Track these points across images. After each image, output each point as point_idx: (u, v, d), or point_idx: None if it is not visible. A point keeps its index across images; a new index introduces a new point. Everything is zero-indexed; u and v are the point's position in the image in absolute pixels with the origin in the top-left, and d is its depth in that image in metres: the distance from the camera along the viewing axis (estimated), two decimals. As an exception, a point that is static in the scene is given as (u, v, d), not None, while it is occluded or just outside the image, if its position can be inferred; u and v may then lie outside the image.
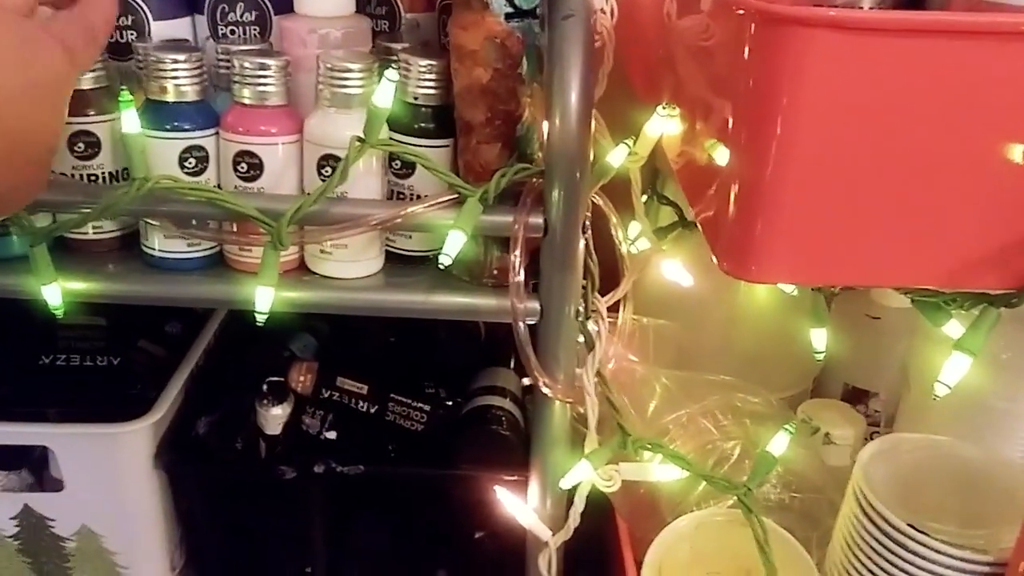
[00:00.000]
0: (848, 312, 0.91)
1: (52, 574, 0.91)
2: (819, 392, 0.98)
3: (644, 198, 0.78)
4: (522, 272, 0.64)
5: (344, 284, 0.69)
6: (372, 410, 0.87)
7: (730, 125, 0.54)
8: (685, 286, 0.84)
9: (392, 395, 0.86)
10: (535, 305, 0.66)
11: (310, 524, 0.87)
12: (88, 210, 0.63)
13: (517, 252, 0.63)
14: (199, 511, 0.86)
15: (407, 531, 0.89)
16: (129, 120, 0.61)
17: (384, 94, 0.60)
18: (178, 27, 0.74)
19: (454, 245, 0.62)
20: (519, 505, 0.75)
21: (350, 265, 0.68)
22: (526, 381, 0.91)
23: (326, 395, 0.87)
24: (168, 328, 0.96)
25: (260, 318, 0.65)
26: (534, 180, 0.64)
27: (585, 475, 0.68)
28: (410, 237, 0.71)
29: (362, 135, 0.62)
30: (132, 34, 0.72)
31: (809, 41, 0.47)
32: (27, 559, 0.90)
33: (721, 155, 0.56)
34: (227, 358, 0.96)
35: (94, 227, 0.70)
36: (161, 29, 0.73)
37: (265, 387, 0.81)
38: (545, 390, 0.67)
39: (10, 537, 0.88)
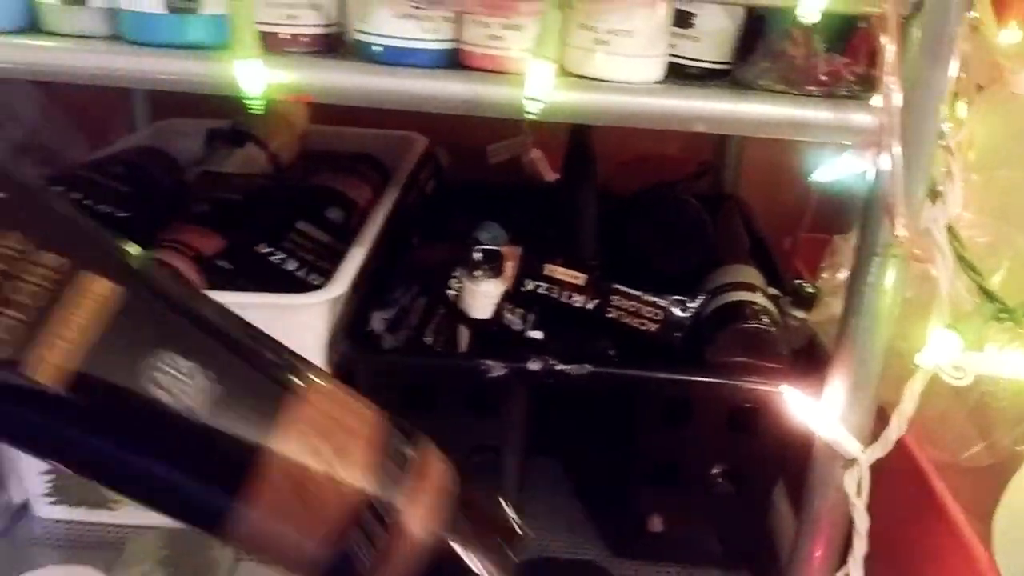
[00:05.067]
0: None
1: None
2: None
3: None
4: (894, 77, 0.47)
5: (624, 88, 0.52)
6: (589, 305, 0.70)
7: None
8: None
9: (616, 287, 0.69)
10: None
11: (507, 440, 0.69)
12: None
13: (889, 39, 0.46)
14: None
15: (624, 459, 0.72)
16: None
17: None
18: None
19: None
20: (816, 409, 0.57)
21: (630, 63, 0.52)
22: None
23: (530, 287, 0.71)
24: (329, 214, 0.80)
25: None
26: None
27: (948, 352, 0.51)
28: (698, 41, 0.55)
29: None
30: None
31: None
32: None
33: None
34: (399, 252, 0.80)
35: (288, 16, 0.55)
36: None
37: (479, 255, 0.64)
38: (900, 231, 0.49)
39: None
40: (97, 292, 0.23)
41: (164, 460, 0.24)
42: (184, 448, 0.24)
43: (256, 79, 0.49)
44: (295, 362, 0.27)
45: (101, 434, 0.23)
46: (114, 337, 0.23)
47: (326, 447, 0.25)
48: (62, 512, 0.77)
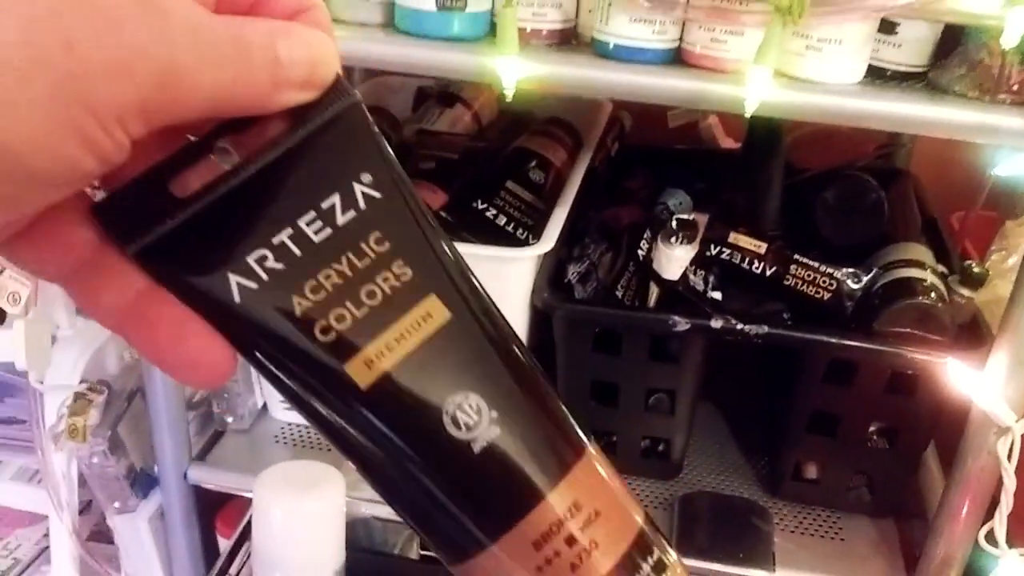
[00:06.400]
0: None
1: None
2: None
3: None
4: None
5: (826, 88, 0.59)
6: (769, 272, 0.77)
7: None
8: None
9: (796, 257, 0.76)
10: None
11: (682, 386, 0.78)
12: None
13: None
14: (564, 360, 0.80)
15: (787, 411, 0.80)
16: None
17: None
18: None
19: None
20: (978, 381, 0.64)
21: (837, 66, 0.59)
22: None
23: (714, 252, 0.79)
24: (531, 175, 0.90)
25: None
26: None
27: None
28: (899, 47, 0.61)
29: None
30: None
31: None
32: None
33: None
34: (588, 209, 0.89)
35: (535, 14, 0.64)
36: None
37: (675, 223, 0.73)
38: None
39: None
40: (433, 317, 0.24)
41: (432, 485, 0.25)
42: (455, 484, 0.25)
43: (513, 72, 0.59)
44: (577, 426, 0.27)
45: (385, 442, 0.24)
46: (428, 361, 0.24)
47: (590, 523, 0.25)
48: (295, 416, 0.92)
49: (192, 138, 0.23)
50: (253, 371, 0.79)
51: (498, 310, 0.26)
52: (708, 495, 0.83)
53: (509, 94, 0.60)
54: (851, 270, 0.76)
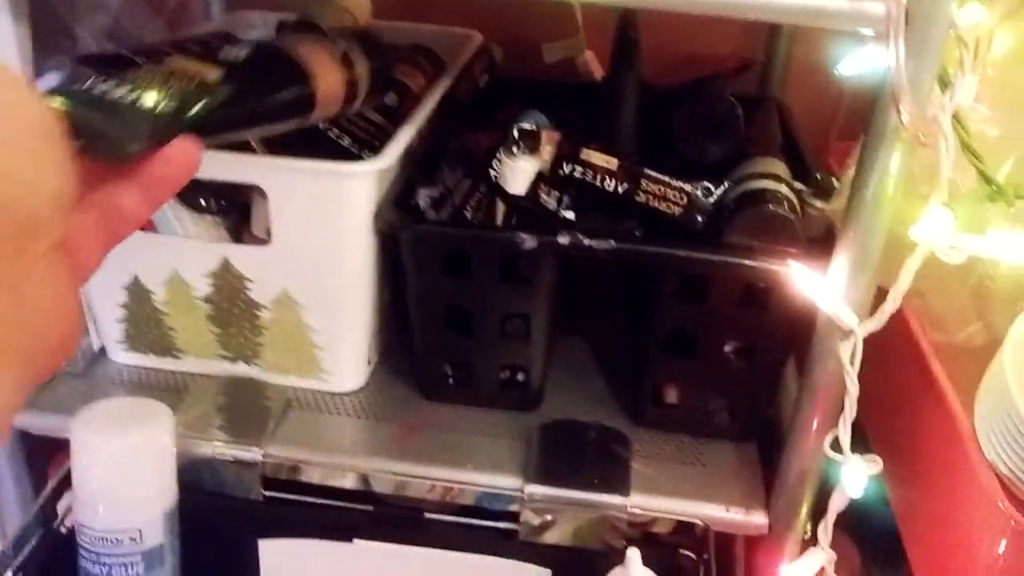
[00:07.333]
0: None
1: (239, 350, 0.82)
2: None
3: None
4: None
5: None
6: (621, 189, 0.74)
7: None
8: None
9: (646, 171, 0.74)
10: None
11: (536, 308, 0.75)
12: None
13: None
14: (415, 286, 0.76)
15: (644, 334, 0.77)
16: None
17: None
18: None
19: None
20: (820, 284, 0.62)
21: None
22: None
23: (567, 170, 0.76)
24: (386, 100, 0.85)
25: None
26: None
27: (942, 229, 0.55)
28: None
29: None
30: None
31: None
32: (216, 329, 0.82)
33: None
34: (449, 137, 0.85)
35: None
36: None
37: (516, 133, 0.69)
38: (904, 116, 0.53)
39: (202, 299, 0.80)
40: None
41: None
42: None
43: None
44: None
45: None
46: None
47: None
48: (133, 358, 0.86)
49: None
50: (88, 311, 0.73)
51: None
52: (566, 423, 0.80)
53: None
54: (704, 184, 0.73)
